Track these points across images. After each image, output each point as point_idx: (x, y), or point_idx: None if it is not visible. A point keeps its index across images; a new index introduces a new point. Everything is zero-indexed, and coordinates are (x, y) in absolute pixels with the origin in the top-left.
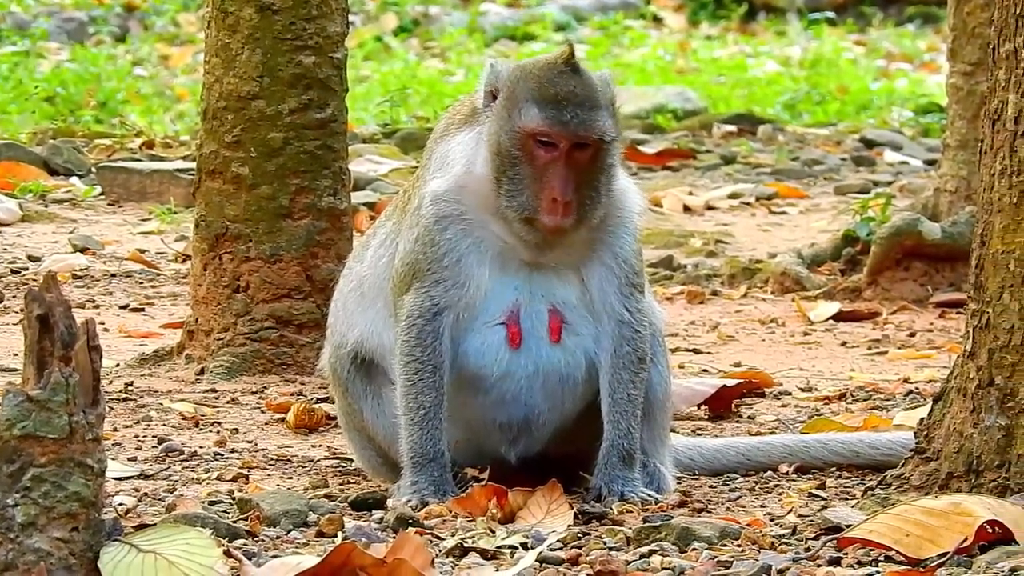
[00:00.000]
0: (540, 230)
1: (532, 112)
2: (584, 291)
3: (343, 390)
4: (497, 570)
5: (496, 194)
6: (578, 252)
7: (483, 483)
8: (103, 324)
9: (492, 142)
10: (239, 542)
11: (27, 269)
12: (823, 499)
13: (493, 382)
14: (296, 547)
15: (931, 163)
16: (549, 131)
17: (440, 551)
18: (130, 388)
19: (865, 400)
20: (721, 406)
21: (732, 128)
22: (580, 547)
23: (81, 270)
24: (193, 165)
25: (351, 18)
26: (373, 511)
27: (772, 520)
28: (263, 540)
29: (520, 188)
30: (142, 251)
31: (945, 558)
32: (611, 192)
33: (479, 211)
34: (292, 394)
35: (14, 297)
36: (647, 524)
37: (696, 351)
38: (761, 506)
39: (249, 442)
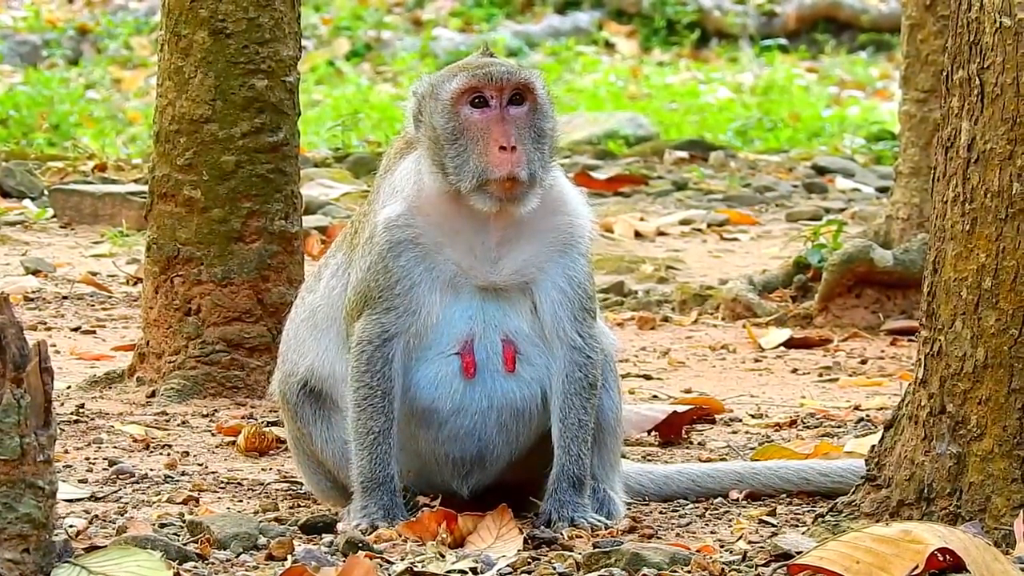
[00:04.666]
0: (496, 191)
1: (457, 78)
2: (536, 320)
3: (292, 414)
4: None
5: (446, 182)
6: (531, 269)
7: (433, 508)
8: (55, 346)
9: (429, 136)
10: (189, 565)
11: None
12: (773, 526)
13: (446, 416)
14: (246, 570)
15: (883, 190)
16: (476, 84)
17: (390, 575)
18: (81, 410)
19: (816, 427)
20: (671, 432)
21: (684, 154)
22: (530, 572)
23: (33, 292)
24: (145, 188)
25: (304, 42)
26: (323, 534)
27: (722, 546)
28: (213, 563)
29: (465, 156)
30: (94, 273)
31: None
32: (556, 167)
33: (433, 232)
34: (243, 417)
35: None
36: (597, 549)
37: (647, 377)
38: (711, 532)
39: (200, 465)
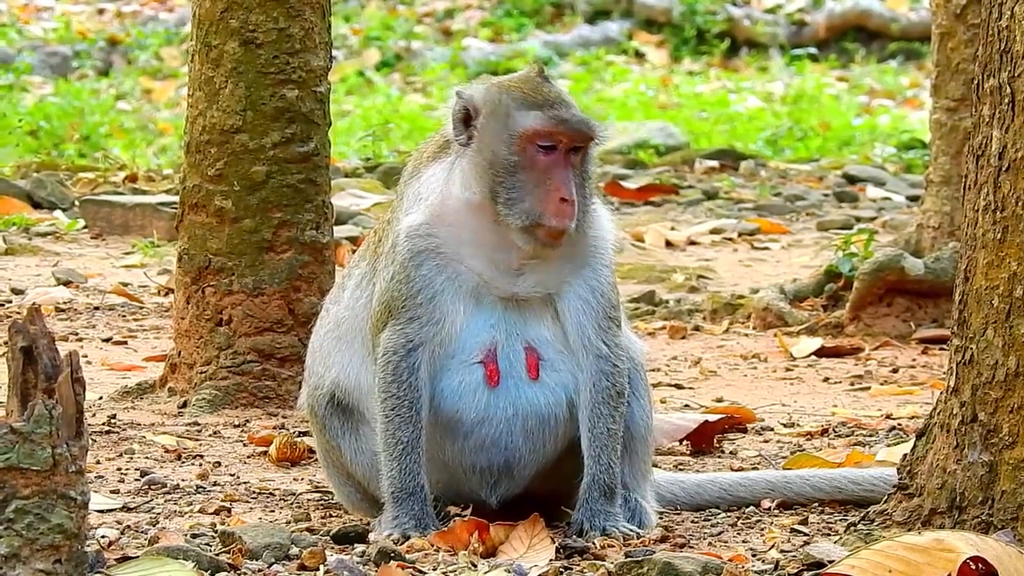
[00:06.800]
0: (541, 236)
1: (532, 116)
2: (558, 327)
3: (321, 427)
4: None
5: (492, 207)
6: (554, 282)
7: (465, 517)
8: (86, 357)
9: (484, 156)
10: (221, 575)
11: (10, 302)
12: (805, 535)
13: (472, 425)
14: None
15: (914, 199)
16: (552, 131)
17: None
18: (113, 421)
19: (847, 436)
20: (703, 441)
21: (714, 163)
22: None
23: (64, 303)
24: (176, 199)
25: (334, 53)
26: (355, 545)
27: (754, 555)
28: (245, 573)
29: (521, 196)
30: (125, 284)
31: None
32: (593, 203)
33: (454, 243)
34: (274, 427)
35: None
36: (629, 559)
37: (678, 386)
38: (743, 541)
39: (231, 475)
